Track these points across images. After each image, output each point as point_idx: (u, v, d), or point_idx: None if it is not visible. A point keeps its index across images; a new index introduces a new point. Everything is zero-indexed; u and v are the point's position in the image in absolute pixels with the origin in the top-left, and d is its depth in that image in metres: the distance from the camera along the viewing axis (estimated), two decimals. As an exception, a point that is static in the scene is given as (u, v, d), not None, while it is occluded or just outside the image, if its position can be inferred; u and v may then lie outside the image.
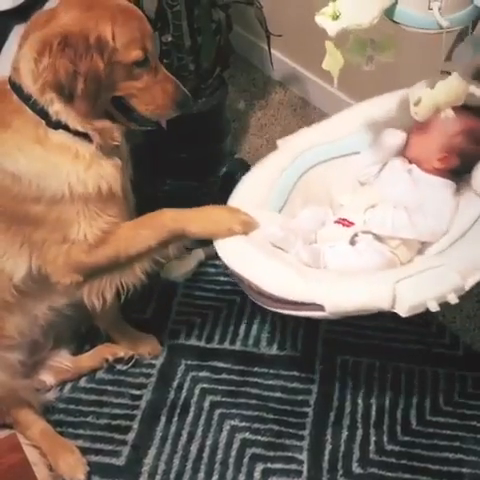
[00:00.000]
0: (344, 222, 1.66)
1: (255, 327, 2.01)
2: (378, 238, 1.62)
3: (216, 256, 1.62)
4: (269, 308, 1.53)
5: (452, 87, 1.54)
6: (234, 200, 1.67)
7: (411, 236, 1.61)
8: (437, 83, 1.52)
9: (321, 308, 1.42)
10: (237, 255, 1.54)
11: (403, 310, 1.39)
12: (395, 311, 1.40)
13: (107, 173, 1.57)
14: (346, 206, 1.71)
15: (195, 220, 1.60)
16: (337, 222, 1.67)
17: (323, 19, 1.46)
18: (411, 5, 1.48)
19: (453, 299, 1.40)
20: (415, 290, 1.40)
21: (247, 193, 1.70)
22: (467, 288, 1.43)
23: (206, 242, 1.71)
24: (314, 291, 1.43)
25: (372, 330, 1.96)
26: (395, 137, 1.74)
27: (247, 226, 1.57)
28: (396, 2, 1.47)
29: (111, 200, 1.59)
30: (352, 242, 1.63)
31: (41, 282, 1.65)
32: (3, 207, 1.56)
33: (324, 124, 1.88)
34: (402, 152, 1.77)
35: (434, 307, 1.39)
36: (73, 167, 1.53)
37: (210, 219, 1.59)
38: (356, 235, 1.63)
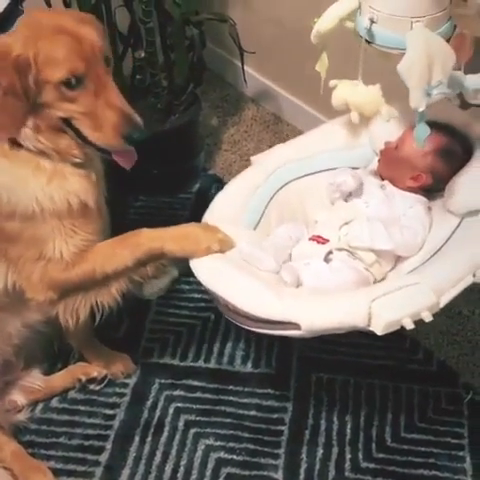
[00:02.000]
0: (319, 239, 1.65)
1: (229, 345, 2.00)
2: (352, 255, 1.63)
3: (190, 273, 1.60)
4: (245, 327, 1.52)
5: (364, 94, 1.61)
6: (208, 218, 1.66)
7: (388, 247, 1.60)
8: (361, 84, 1.62)
9: (297, 327, 1.41)
10: (213, 274, 1.53)
11: (379, 328, 1.39)
12: (371, 329, 1.41)
13: (75, 187, 1.53)
14: (321, 223, 1.71)
15: (173, 239, 1.58)
16: (311, 239, 1.66)
17: None
18: (362, 14, 1.53)
19: (428, 317, 1.41)
20: (390, 308, 1.40)
21: (221, 211, 1.68)
22: (442, 305, 1.44)
23: (179, 259, 1.69)
24: (290, 310, 1.42)
25: (346, 347, 1.96)
26: (345, 184, 1.72)
27: (224, 244, 1.56)
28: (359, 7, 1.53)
29: (86, 216, 1.57)
30: (326, 259, 1.62)
31: (17, 298, 1.62)
32: None
33: (298, 140, 1.88)
34: (375, 170, 1.79)
35: (409, 325, 1.39)
36: (36, 180, 1.50)
37: (188, 238, 1.57)
38: (330, 252, 1.63)
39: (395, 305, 1.41)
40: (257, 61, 2.52)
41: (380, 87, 1.65)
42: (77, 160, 1.54)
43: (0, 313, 1.65)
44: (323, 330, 1.43)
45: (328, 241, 1.64)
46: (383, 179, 1.76)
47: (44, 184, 1.50)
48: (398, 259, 1.66)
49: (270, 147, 2.52)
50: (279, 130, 2.67)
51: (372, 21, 1.48)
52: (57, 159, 1.52)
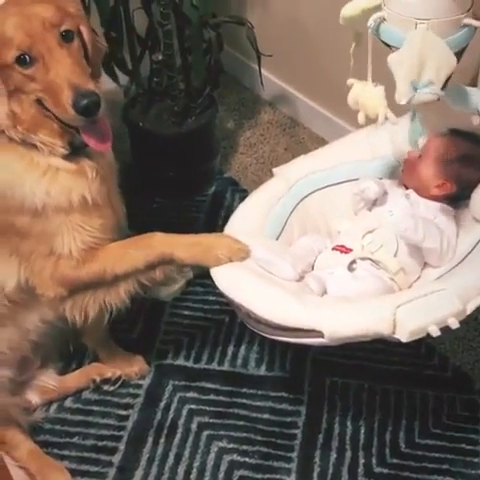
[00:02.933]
0: (342, 248, 1.65)
1: (243, 347, 2.00)
2: (376, 264, 1.61)
3: (204, 275, 1.60)
4: (268, 336, 1.50)
5: (369, 94, 1.57)
6: (230, 229, 1.66)
7: (433, 245, 1.59)
8: (369, 84, 1.57)
9: (320, 334, 1.40)
10: (234, 282, 1.52)
11: (404, 335, 1.37)
12: (396, 337, 1.38)
13: (68, 182, 1.52)
14: (344, 233, 1.70)
15: (184, 246, 1.59)
16: (335, 249, 1.66)
17: None
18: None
19: (454, 323, 1.38)
20: (416, 315, 1.38)
21: (243, 222, 1.68)
22: (468, 312, 1.41)
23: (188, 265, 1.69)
24: (313, 317, 1.41)
25: (361, 352, 1.95)
26: (369, 189, 1.71)
27: (235, 253, 1.56)
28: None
29: (91, 211, 1.56)
30: (350, 268, 1.62)
31: (32, 293, 1.63)
32: None
33: (320, 152, 1.88)
34: (399, 180, 1.78)
35: (435, 332, 1.36)
36: (30, 175, 1.50)
37: (199, 246, 1.58)
38: (354, 262, 1.62)
39: (420, 312, 1.39)
40: (274, 64, 2.52)
41: (384, 89, 1.63)
42: (63, 151, 1.52)
43: (18, 309, 1.67)
44: (346, 338, 1.41)
45: (351, 250, 1.63)
46: (407, 188, 1.75)
47: (39, 179, 1.50)
48: (423, 268, 1.64)
49: (286, 150, 2.57)
50: (295, 133, 2.67)
51: (383, 18, 1.47)
52: (47, 153, 1.51)
